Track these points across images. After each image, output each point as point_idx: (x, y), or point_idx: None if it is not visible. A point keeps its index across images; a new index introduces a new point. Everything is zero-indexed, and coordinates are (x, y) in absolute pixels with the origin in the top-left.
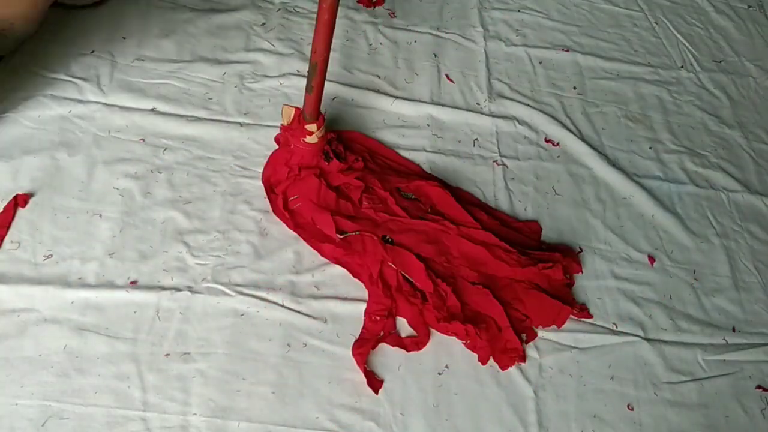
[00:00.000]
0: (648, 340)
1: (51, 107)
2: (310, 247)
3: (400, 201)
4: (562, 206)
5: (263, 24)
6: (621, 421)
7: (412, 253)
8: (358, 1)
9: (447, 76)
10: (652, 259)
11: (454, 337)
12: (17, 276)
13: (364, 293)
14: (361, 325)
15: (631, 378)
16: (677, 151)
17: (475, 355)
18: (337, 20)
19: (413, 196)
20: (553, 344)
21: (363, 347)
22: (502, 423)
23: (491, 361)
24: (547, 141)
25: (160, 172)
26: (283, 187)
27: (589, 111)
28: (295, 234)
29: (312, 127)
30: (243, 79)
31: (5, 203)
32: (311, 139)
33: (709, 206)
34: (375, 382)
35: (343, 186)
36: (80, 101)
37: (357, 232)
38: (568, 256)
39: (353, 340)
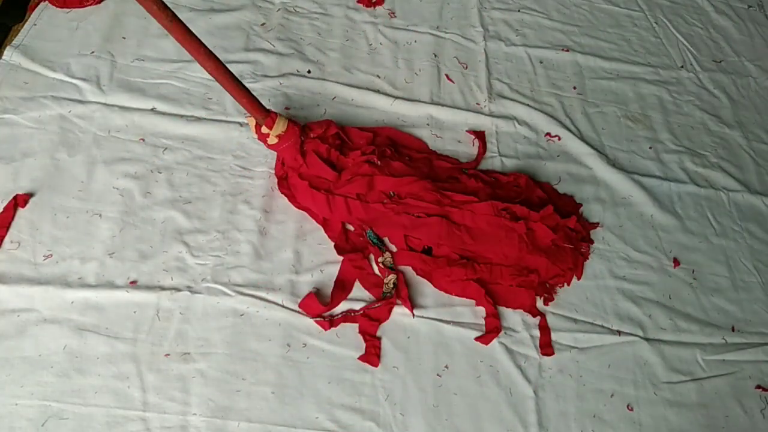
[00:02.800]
0: (648, 340)
1: (51, 107)
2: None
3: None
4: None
5: (263, 24)
6: (621, 421)
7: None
8: (358, 1)
9: (447, 76)
10: (677, 262)
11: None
12: (17, 276)
13: (364, 293)
14: (361, 326)
15: (631, 378)
16: (677, 151)
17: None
18: (337, 20)
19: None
20: (553, 344)
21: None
22: (502, 423)
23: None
24: (547, 135)
25: (160, 172)
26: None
27: (589, 111)
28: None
29: (265, 129)
30: (243, 79)
31: (5, 203)
32: (271, 140)
33: (709, 206)
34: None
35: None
36: (80, 101)
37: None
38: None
39: (353, 340)
